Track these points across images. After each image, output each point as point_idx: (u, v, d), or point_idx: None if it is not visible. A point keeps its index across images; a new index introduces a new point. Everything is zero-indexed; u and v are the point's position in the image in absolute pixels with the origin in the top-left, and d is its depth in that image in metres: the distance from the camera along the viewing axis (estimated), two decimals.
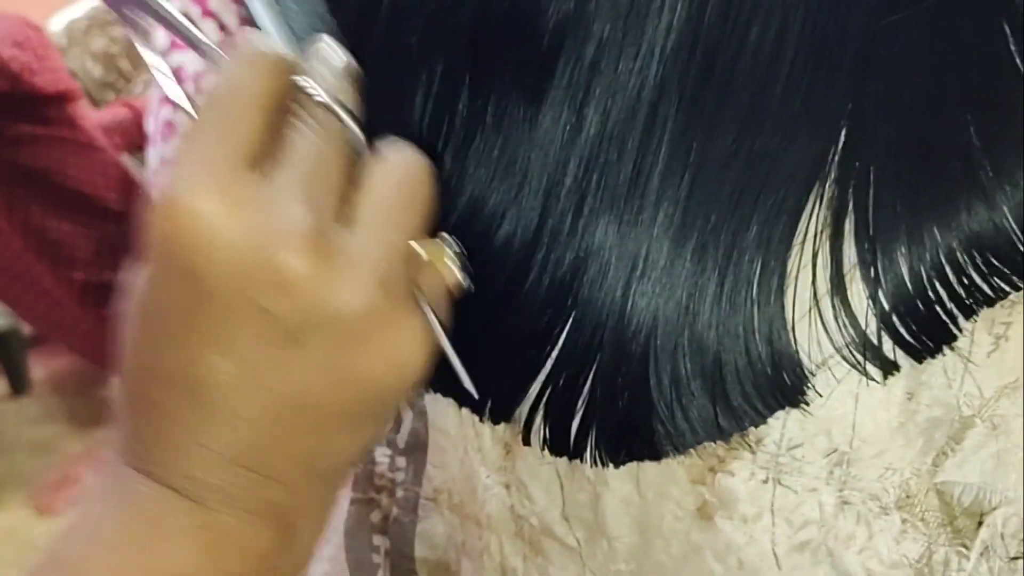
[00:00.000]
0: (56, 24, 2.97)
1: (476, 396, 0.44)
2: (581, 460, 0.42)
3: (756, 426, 0.39)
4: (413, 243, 0.38)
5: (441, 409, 0.49)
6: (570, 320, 0.41)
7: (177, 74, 1.48)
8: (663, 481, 0.41)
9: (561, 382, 0.42)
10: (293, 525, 0.40)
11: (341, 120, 0.38)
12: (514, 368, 0.43)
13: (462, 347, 0.45)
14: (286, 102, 0.37)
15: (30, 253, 1.56)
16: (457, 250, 0.41)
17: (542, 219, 0.42)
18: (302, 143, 0.36)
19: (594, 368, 0.41)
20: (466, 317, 0.44)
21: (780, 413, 0.39)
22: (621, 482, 0.42)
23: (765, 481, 0.39)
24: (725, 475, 0.39)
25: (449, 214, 0.45)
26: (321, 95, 0.38)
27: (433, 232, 0.42)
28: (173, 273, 0.34)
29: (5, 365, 3.16)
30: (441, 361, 0.45)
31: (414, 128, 0.47)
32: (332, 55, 0.40)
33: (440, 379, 0.47)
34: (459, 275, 0.40)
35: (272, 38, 0.42)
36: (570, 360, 0.42)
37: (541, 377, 0.43)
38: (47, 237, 1.53)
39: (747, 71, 0.39)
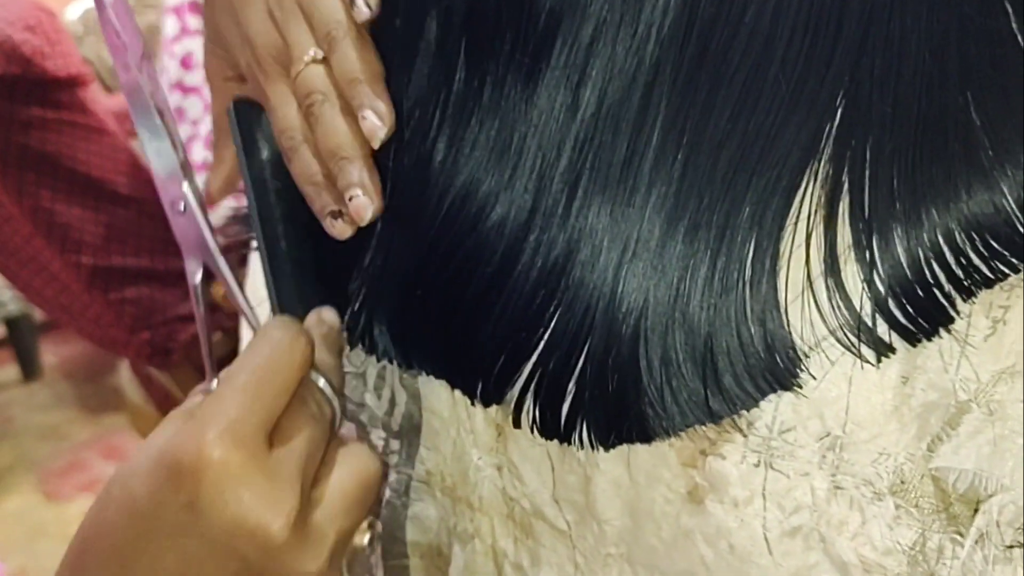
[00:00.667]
0: (72, 12, 2.97)
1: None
2: (571, 443, 0.42)
3: (748, 409, 0.38)
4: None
5: (434, 391, 0.49)
6: (561, 302, 0.41)
7: (187, 60, 1.47)
8: (654, 464, 0.40)
9: (552, 364, 0.42)
10: None
11: (332, 408, 0.46)
12: (505, 350, 0.43)
13: (455, 329, 0.45)
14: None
15: (39, 238, 1.56)
16: (377, 531, 0.51)
17: (536, 201, 0.42)
18: (307, 430, 0.43)
19: (584, 350, 0.41)
20: (459, 298, 0.44)
21: (772, 396, 0.38)
22: (612, 465, 0.41)
23: (757, 465, 0.38)
24: (716, 458, 0.39)
25: (443, 197, 0.44)
26: (326, 387, 0.46)
27: None
28: (178, 500, 0.40)
29: (17, 350, 3.17)
30: (437, 343, 0.45)
31: (408, 110, 0.46)
32: (329, 320, 0.49)
33: (433, 360, 0.47)
34: (367, 545, 0.48)
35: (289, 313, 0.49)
36: (561, 342, 0.41)
37: (532, 359, 0.42)
38: (56, 221, 1.53)
39: (742, 51, 0.39)
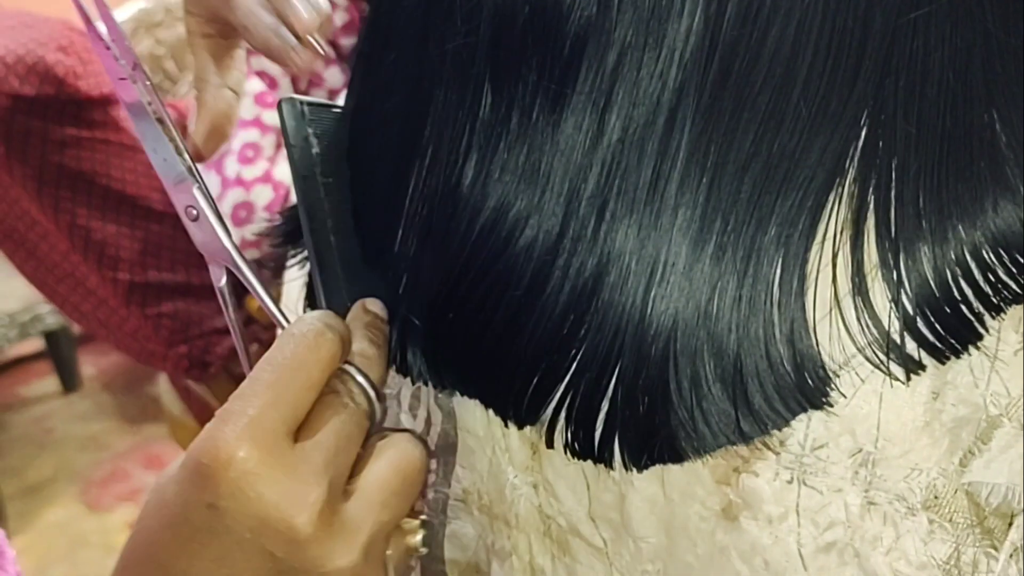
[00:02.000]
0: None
1: None
2: (605, 464, 0.42)
3: (779, 429, 0.39)
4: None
5: (469, 410, 0.49)
6: (591, 325, 0.41)
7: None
8: (688, 481, 0.41)
9: (583, 386, 0.42)
10: None
11: (369, 400, 0.45)
12: (537, 371, 0.43)
13: (487, 351, 0.45)
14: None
15: (76, 254, 1.58)
16: (425, 529, 0.48)
17: (564, 225, 0.42)
18: (335, 422, 0.43)
19: (615, 372, 0.41)
20: (489, 320, 0.44)
21: (803, 415, 0.38)
22: (646, 483, 0.42)
23: (790, 481, 0.39)
24: (749, 475, 0.39)
25: (473, 221, 0.45)
26: (361, 380, 0.45)
27: None
28: (202, 501, 0.40)
29: (56, 362, 3.21)
30: (469, 364, 0.46)
31: (436, 133, 0.47)
32: (373, 310, 0.49)
33: (466, 381, 0.48)
34: (421, 546, 0.47)
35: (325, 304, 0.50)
36: (591, 364, 0.42)
37: (564, 381, 0.43)
38: (93, 238, 1.55)
39: (765, 73, 0.39)
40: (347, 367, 0.45)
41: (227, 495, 0.39)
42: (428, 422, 0.52)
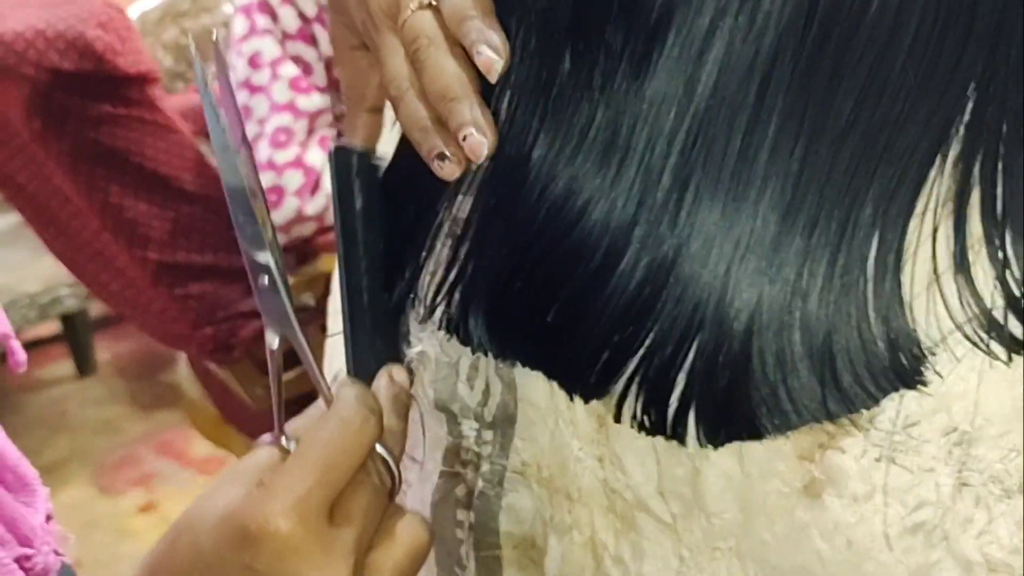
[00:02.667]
0: (130, 14, 3.01)
1: None
2: (679, 441, 0.41)
3: (868, 408, 0.37)
4: None
5: (531, 381, 0.48)
6: (668, 298, 0.40)
7: (255, 59, 1.47)
8: (768, 457, 0.40)
9: (658, 361, 0.41)
10: None
11: (392, 477, 0.47)
12: (609, 346, 0.42)
13: (554, 324, 0.44)
14: None
15: (107, 232, 1.58)
16: None
17: (642, 197, 0.41)
18: (365, 502, 0.45)
19: (693, 347, 0.40)
20: (558, 293, 0.44)
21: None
22: (723, 458, 0.41)
23: (878, 460, 0.38)
24: (835, 452, 0.38)
25: (544, 192, 0.44)
26: (388, 458, 0.47)
27: None
28: (241, 561, 0.42)
29: (72, 346, 3.21)
30: (535, 336, 0.45)
31: (508, 103, 0.46)
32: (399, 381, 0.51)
33: (530, 354, 0.47)
34: None
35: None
36: (667, 338, 0.41)
37: (637, 356, 0.42)
38: (124, 216, 1.54)
39: (867, 38, 0.38)
40: (377, 445, 0.47)
41: (266, 563, 0.42)
42: (487, 392, 0.51)
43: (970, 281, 0.36)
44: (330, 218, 1.69)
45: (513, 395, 0.50)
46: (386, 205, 0.55)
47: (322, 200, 1.68)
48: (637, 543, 0.45)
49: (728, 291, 0.39)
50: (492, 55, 0.45)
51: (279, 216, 1.62)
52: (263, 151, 1.64)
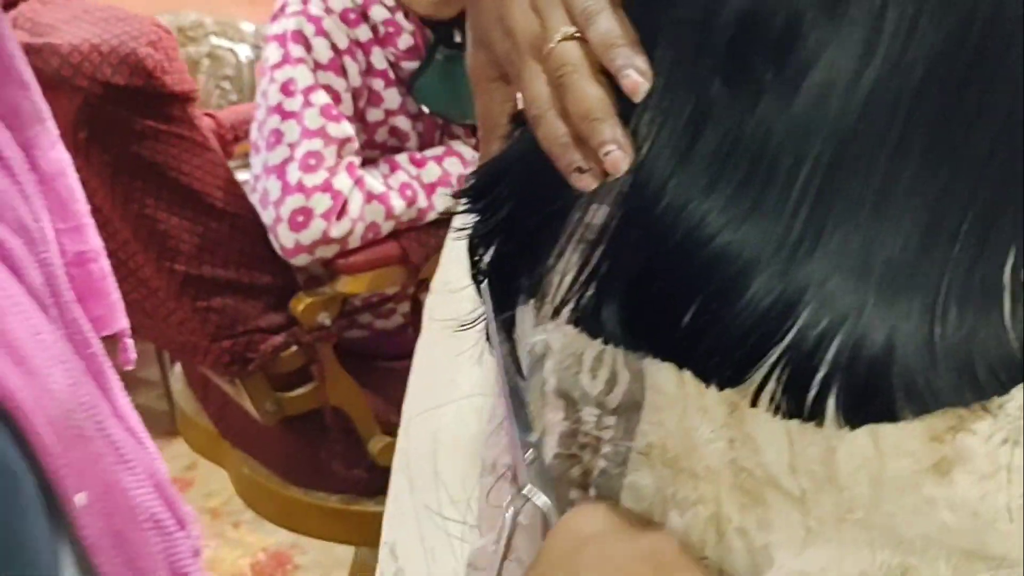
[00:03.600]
0: None
1: None
2: (817, 423, 0.46)
3: (999, 395, 0.43)
4: None
5: (660, 370, 0.53)
6: (807, 313, 0.45)
7: (287, 86, 1.54)
8: (902, 437, 0.45)
9: (798, 355, 0.46)
10: None
11: None
12: (747, 345, 0.47)
13: (692, 324, 0.49)
14: None
15: (137, 242, 1.62)
16: None
17: (780, 222, 0.46)
18: None
19: (834, 345, 0.45)
20: (694, 297, 0.48)
21: None
22: (858, 437, 0.46)
23: (1004, 442, 0.43)
24: (966, 434, 0.44)
25: (684, 209, 0.49)
26: None
27: None
28: None
29: None
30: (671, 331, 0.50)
31: (655, 125, 0.51)
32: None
33: (665, 348, 0.52)
34: None
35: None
36: (808, 339, 0.45)
37: (778, 349, 0.46)
38: (156, 228, 1.59)
39: (1004, 80, 0.44)
40: None
41: None
42: (611, 382, 0.56)
43: None
44: (352, 242, 1.74)
45: (640, 384, 0.55)
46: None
47: (347, 224, 1.74)
48: (764, 516, 0.50)
49: (867, 309, 0.44)
50: (638, 77, 0.51)
51: (305, 237, 1.68)
52: (293, 174, 1.70)
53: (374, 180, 1.80)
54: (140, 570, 0.54)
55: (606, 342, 0.54)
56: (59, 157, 0.61)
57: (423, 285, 1.97)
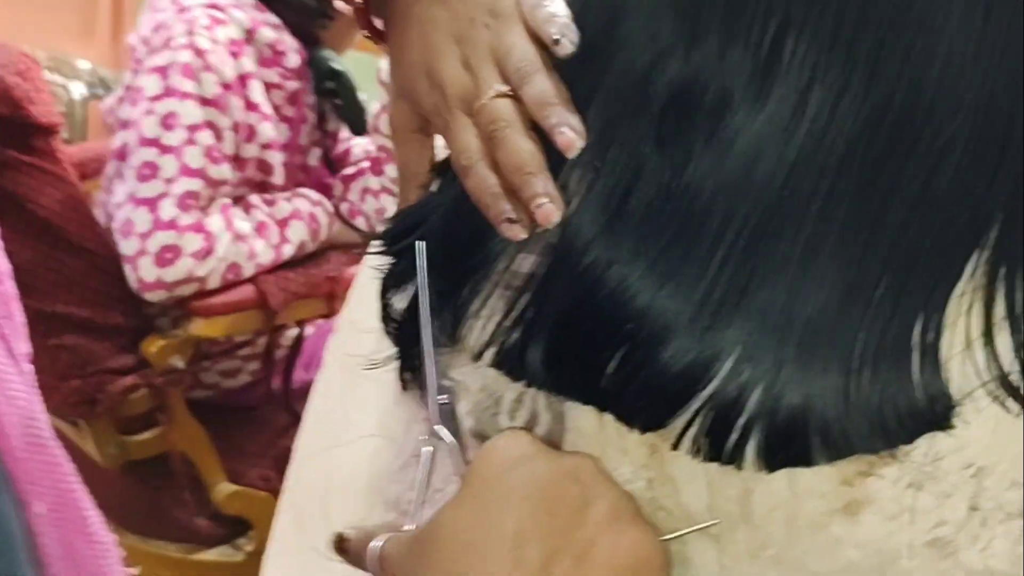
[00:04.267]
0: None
1: None
2: (736, 467, 0.50)
3: (906, 444, 0.48)
4: None
5: (581, 413, 0.55)
6: (727, 369, 0.49)
7: (168, 120, 1.54)
8: (815, 481, 0.49)
9: (721, 404, 0.49)
10: None
11: None
12: (670, 395, 0.50)
13: (616, 372, 0.52)
14: None
15: None
16: None
17: (704, 281, 0.50)
18: None
19: (755, 396, 0.48)
20: (616, 352, 0.51)
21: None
22: (775, 480, 0.50)
23: (909, 486, 0.48)
24: (875, 478, 0.48)
25: (610, 265, 0.51)
26: None
27: None
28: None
29: None
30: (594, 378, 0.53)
31: (584, 180, 0.54)
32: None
33: (587, 393, 0.54)
34: None
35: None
36: (726, 393, 0.49)
37: (700, 399, 0.49)
38: (10, 261, 1.54)
39: (919, 161, 0.48)
40: None
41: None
42: (531, 422, 0.58)
43: (994, 351, 0.47)
44: (211, 282, 1.73)
45: (561, 425, 0.57)
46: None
47: (211, 263, 1.72)
48: (681, 553, 0.53)
49: (787, 363, 0.48)
50: (572, 135, 0.53)
51: (170, 274, 1.65)
52: (167, 210, 1.68)
53: (241, 221, 1.80)
54: None
55: (529, 384, 0.56)
56: None
57: (278, 331, 1.96)
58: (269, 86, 1.85)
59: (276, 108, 1.87)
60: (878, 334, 0.48)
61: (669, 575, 0.52)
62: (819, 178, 0.49)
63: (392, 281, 0.64)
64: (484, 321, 0.58)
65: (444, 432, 0.60)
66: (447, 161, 0.62)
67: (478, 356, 0.58)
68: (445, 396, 0.61)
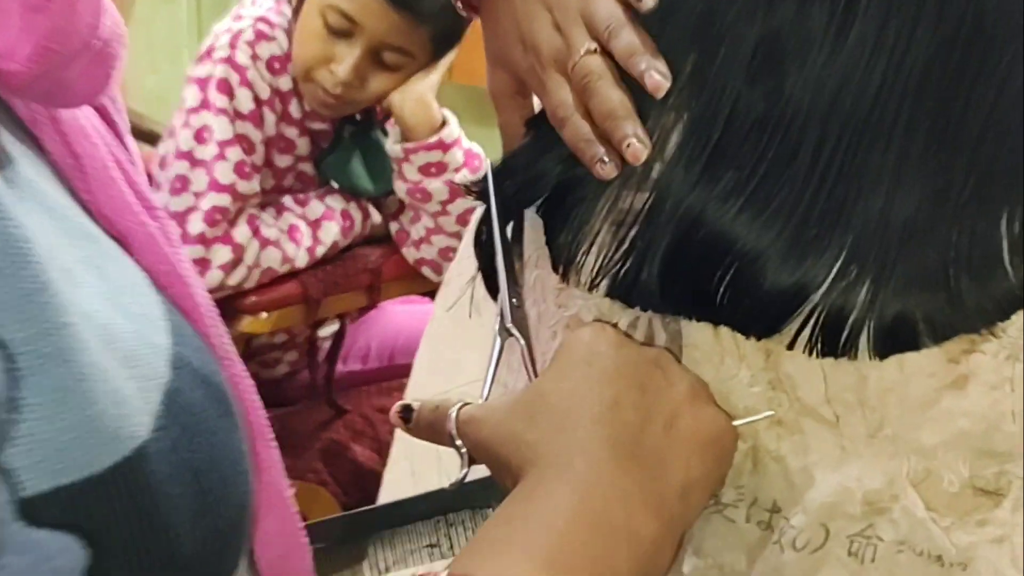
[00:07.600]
0: None
1: None
2: (849, 358, 0.56)
3: (1003, 321, 0.54)
4: None
5: (696, 328, 0.61)
6: (835, 267, 0.56)
7: (201, 133, 1.61)
8: (925, 362, 0.56)
9: (832, 304, 0.56)
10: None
11: None
12: (781, 300, 0.57)
13: (728, 284, 0.59)
14: None
15: None
16: None
17: (805, 197, 0.56)
18: None
19: (863, 292, 0.55)
20: (732, 269, 0.58)
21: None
22: (886, 365, 0.56)
23: (1008, 358, 0.54)
24: (977, 354, 0.55)
25: (712, 187, 0.58)
26: None
27: None
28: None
29: None
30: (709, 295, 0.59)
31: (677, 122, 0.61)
32: None
33: (705, 309, 0.61)
34: None
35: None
36: (837, 292, 0.56)
37: (812, 303, 0.56)
38: None
39: (989, 74, 0.55)
40: None
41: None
42: (649, 344, 0.65)
43: None
44: (248, 286, 1.79)
45: (677, 344, 0.63)
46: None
47: (243, 272, 1.79)
48: (801, 442, 0.59)
49: (890, 259, 0.55)
50: (660, 78, 0.60)
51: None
52: (195, 224, 1.74)
53: (268, 227, 1.85)
54: None
55: (644, 309, 0.62)
56: None
57: (319, 324, 2.02)
58: None
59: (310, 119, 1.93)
60: (969, 228, 0.55)
61: (733, 454, 0.60)
62: (901, 99, 0.56)
63: (486, 223, 0.72)
64: (595, 256, 0.64)
65: (515, 330, 0.68)
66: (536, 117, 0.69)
67: (592, 287, 0.64)
68: (515, 299, 0.68)
